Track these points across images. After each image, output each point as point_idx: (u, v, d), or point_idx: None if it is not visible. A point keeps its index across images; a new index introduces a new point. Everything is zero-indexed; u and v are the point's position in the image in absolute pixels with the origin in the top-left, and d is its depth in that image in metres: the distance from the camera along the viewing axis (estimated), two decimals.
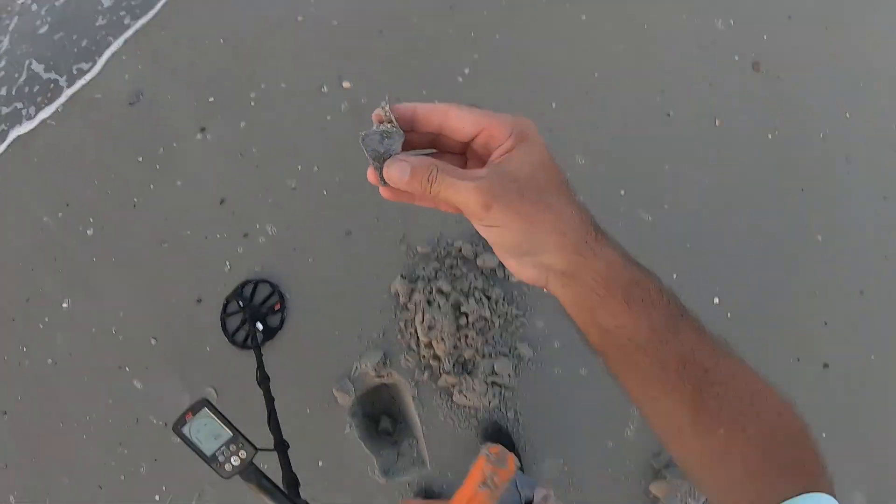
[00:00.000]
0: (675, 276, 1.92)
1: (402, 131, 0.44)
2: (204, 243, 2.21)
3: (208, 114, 2.16)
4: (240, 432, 0.90)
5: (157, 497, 2.03)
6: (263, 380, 1.48)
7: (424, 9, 2.22)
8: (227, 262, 2.17)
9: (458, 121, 0.42)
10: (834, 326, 2.01)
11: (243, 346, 2.05)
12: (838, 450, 1.97)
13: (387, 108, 0.44)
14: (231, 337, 2.09)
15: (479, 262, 1.87)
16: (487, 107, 0.44)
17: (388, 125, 0.44)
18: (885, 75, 2.29)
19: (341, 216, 2.03)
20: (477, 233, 1.91)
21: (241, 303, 2.07)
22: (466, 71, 2.17)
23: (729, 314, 1.95)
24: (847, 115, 2.23)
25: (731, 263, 1.99)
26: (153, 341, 2.29)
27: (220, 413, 0.90)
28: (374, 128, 0.44)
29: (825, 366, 2.02)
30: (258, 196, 2.15)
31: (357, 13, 2.21)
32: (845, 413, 1.98)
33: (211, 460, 0.90)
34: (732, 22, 2.25)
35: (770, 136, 2.16)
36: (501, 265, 1.88)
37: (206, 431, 0.90)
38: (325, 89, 2.15)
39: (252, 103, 2.23)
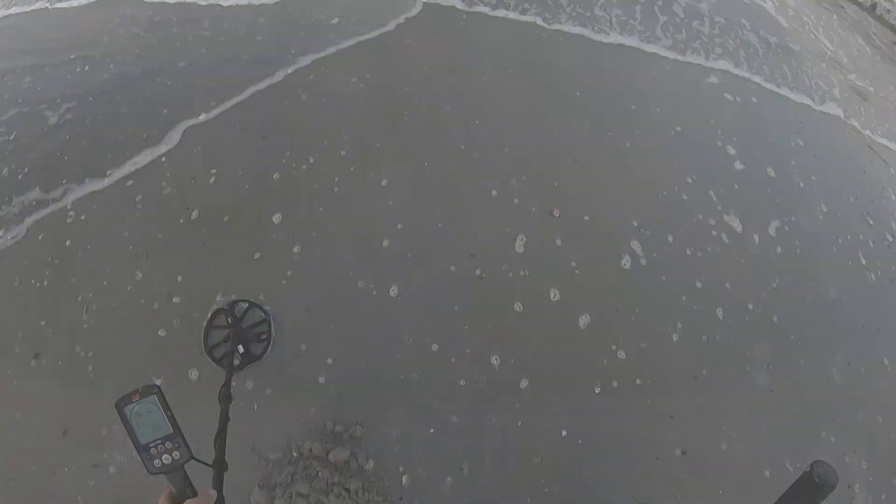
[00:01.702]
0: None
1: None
2: None
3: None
4: (181, 432, 0.87)
5: None
6: (226, 398, 1.42)
7: None
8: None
9: None
10: (680, 418, 2.09)
11: (219, 362, 1.85)
12: None
13: None
14: (210, 350, 1.88)
15: (331, 457, 1.86)
16: None
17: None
18: None
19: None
20: (325, 429, 1.91)
21: (229, 319, 1.87)
22: None
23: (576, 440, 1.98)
24: None
25: None
26: None
27: (168, 406, 0.86)
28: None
29: (683, 453, 2.10)
30: None
31: None
32: None
33: (142, 450, 0.85)
34: None
35: None
36: (354, 456, 1.88)
37: (148, 419, 0.85)
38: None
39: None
